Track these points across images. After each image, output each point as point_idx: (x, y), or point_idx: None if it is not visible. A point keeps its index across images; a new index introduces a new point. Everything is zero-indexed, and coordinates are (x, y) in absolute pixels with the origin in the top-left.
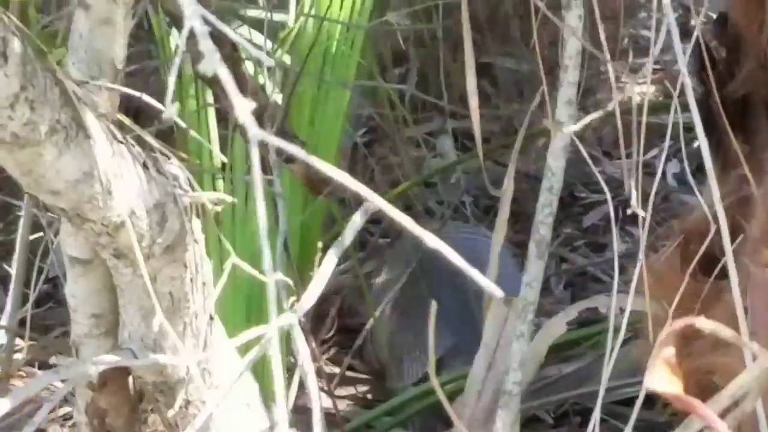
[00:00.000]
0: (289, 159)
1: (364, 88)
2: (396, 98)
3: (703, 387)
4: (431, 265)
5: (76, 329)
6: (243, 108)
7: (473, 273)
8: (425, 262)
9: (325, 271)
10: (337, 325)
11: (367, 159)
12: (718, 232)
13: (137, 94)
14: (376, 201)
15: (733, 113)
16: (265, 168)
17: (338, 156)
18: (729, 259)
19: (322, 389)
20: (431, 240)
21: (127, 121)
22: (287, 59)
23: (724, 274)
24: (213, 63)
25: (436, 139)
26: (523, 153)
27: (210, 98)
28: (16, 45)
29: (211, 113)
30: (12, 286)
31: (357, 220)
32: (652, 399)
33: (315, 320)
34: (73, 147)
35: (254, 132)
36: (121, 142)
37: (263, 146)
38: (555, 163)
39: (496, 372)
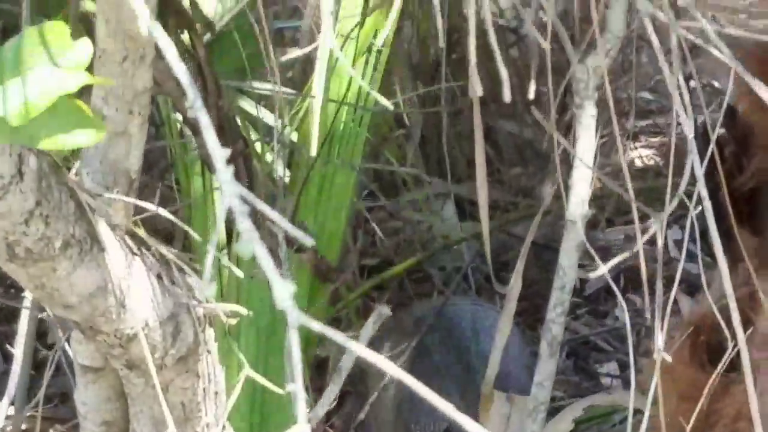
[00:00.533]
0: (300, 249)
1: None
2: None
3: None
4: (435, 338)
5: None
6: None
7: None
8: (428, 335)
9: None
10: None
11: (368, 223)
12: (727, 325)
13: (153, 207)
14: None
15: (741, 206)
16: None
17: (346, 236)
18: (743, 350)
19: None
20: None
21: (142, 233)
22: (294, 137)
23: (732, 367)
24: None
25: (436, 202)
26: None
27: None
28: (32, 161)
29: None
30: (17, 379)
31: (374, 323)
32: None
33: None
34: (87, 261)
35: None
36: (136, 254)
37: (273, 237)
38: (567, 262)
39: None
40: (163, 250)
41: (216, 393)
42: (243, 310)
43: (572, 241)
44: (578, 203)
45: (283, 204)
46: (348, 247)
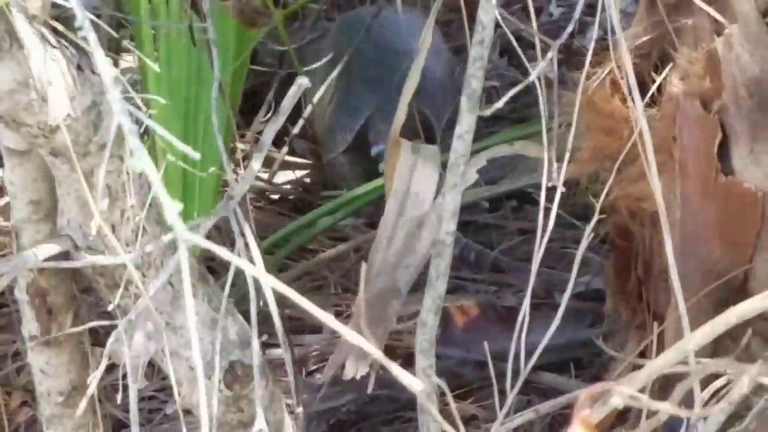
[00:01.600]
0: None
1: None
2: None
3: (633, 213)
4: (365, 46)
5: (15, 215)
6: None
7: None
8: (361, 44)
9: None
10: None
11: None
12: (646, 57)
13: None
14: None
15: None
16: (198, 14)
17: None
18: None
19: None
20: None
21: (59, 25)
22: None
23: (654, 102)
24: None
25: None
26: None
27: None
28: None
29: None
30: None
31: (292, 96)
32: None
33: (252, 106)
34: (7, 59)
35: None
36: (55, 47)
37: None
38: (485, 17)
39: (406, 219)
40: (81, 41)
41: (140, 174)
42: (161, 100)
43: None
44: None
45: None
46: None
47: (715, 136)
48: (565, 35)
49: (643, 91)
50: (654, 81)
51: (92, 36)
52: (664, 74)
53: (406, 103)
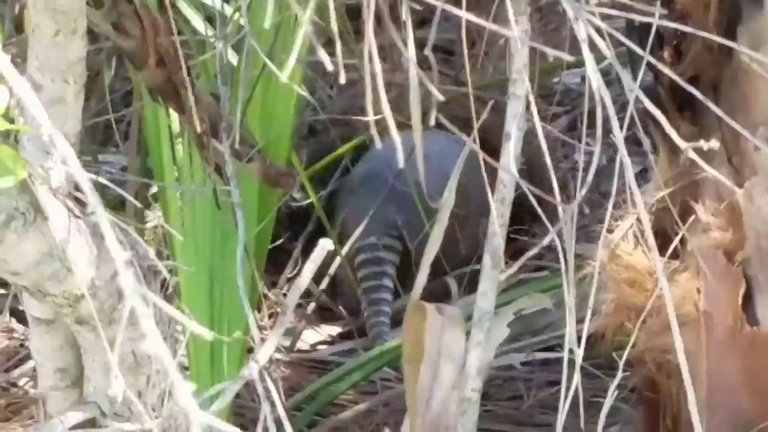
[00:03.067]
0: (249, 159)
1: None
2: None
3: (659, 365)
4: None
5: (42, 382)
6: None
7: None
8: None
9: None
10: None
11: None
12: (668, 209)
13: (92, 177)
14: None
15: (681, 95)
16: (221, 176)
17: (291, 146)
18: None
19: None
20: None
21: (82, 196)
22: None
23: (677, 255)
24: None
25: None
26: None
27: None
28: None
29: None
30: None
31: (316, 260)
32: None
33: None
34: (31, 231)
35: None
36: (78, 217)
37: (219, 155)
38: (506, 176)
39: (440, 380)
40: (104, 211)
41: (165, 338)
42: (183, 267)
43: (509, 154)
44: (514, 117)
45: (229, 120)
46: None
47: (738, 286)
48: (578, 199)
49: (665, 244)
50: (677, 233)
51: (104, 221)
52: (686, 226)
53: (427, 268)
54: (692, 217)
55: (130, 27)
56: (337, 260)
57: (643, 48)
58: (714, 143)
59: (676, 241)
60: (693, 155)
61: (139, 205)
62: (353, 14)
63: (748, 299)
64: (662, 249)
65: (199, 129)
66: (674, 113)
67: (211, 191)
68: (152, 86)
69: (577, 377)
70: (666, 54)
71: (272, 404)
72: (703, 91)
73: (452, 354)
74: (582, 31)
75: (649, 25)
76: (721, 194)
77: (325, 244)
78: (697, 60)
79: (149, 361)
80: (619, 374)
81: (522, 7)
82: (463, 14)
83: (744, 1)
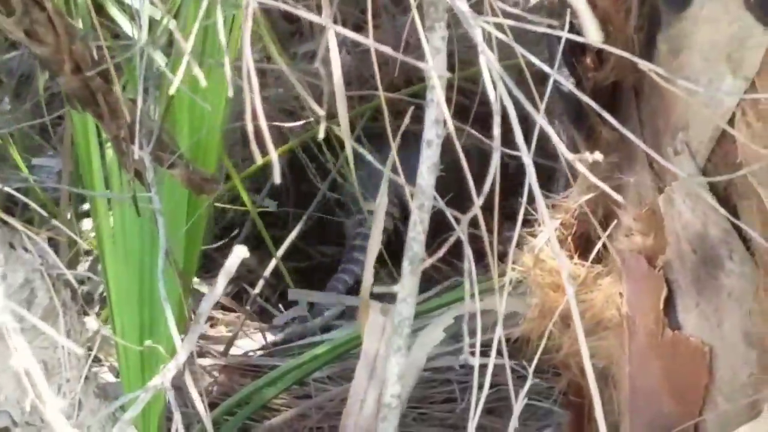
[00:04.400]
0: (171, 165)
1: None
2: None
3: (583, 370)
4: None
5: None
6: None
7: None
8: None
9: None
10: None
11: None
12: (591, 214)
13: None
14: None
15: (603, 101)
16: (143, 183)
17: (222, 152)
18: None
19: None
20: None
21: None
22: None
23: (600, 258)
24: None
25: None
26: None
27: None
28: None
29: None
30: None
31: (229, 269)
32: None
33: None
34: None
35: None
36: None
37: (140, 162)
38: (425, 183)
39: (377, 381)
40: (12, 220)
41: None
42: (93, 276)
43: (429, 161)
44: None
45: (150, 125)
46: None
47: (660, 291)
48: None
49: (589, 248)
50: (600, 238)
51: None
52: (608, 231)
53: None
54: (614, 222)
55: (44, 34)
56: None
57: (568, 53)
58: (598, 156)
59: (599, 245)
60: (580, 167)
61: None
62: (290, 18)
63: (669, 303)
64: (586, 253)
65: (116, 135)
66: (596, 119)
67: (136, 197)
68: (70, 93)
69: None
70: (588, 59)
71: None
72: (624, 97)
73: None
74: (479, 41)
75: (573, 31)
76: (642, 199)
77: (239, 252)
78: (619, 65)
79: (59, 369)
80: (529, 380)
81: (440, 13)
82: (371, 43)
83: (663, 7)
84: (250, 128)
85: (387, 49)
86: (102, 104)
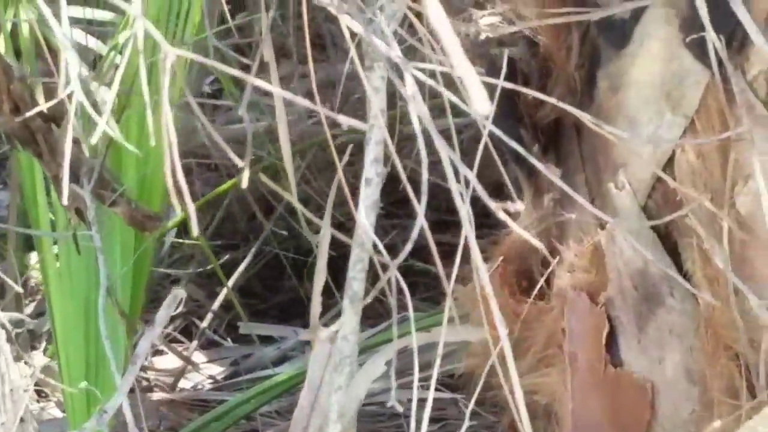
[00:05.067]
0: (113, 203)
1: None
2: None
3: (527, 406)
4: None
5: None
6: None
7: None
8: None
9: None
10: None
11: None
12: (534, 251)
13: None
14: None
15: (545, 137)
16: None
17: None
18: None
19: None
20: None
21: None
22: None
23: (542, 295)
24: None
25: None
26: None
27: None
28: None
29: None
30: None
31: (168, 306)
32: None
33: None
34: None
35: None
36: None
37: (81, 200)
38: (365, 222)
39: (320, 411)
40: None
41: (11, 390)
42: (26, 318)
43: (368, 199)
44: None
45: (91, 162)
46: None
47: (602, 328)
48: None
49: (532, 285)
50: (542, 274)
51: None
52: (551, 268)
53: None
54: (557, 258)
55: None
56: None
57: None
58: (519, 206)
59: (541, 281)
60: (502, 215)
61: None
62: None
63: (611, 340)
64: (529, 290)
65: (56, 173)
66: (538, 155)
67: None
68: (9, 132)
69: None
70: (530, 96)
71: None
72: (566, 134)
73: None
74: (408, 87)
75: (513, 67)
76: (584, 235)
77: (177, 294)
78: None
79: None
80: (468, 417)
81: (379, 54)
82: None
83: (603, 44)
84: (168, 181)
85: (327, 111)
86: (42, 144)
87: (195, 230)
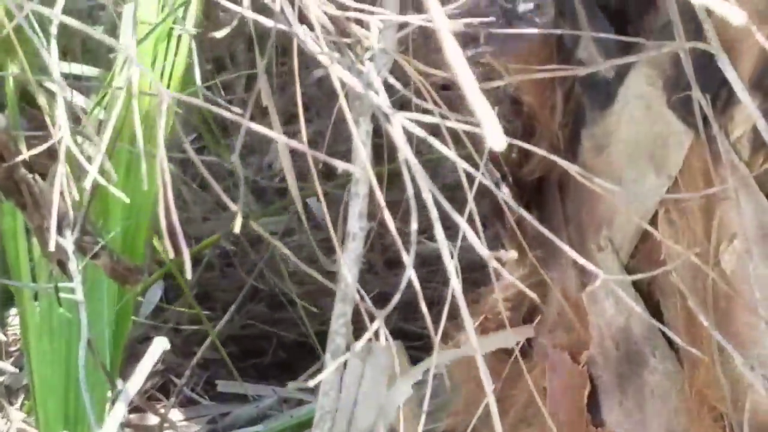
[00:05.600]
0: (95, 255)
1: None
2: None
3: None
4: None
5: None
6: None
7: None
8: None
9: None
10: None
11: None
12: (517, 308)
13: None
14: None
15: (529, 195)
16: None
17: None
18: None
19: None
20: None
21: None
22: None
23: (524, 353)
24: None
25: None
26: None
27: None
28: None
29: None
30: None
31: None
32: None
33: None
34: None
35: None
36: None
37: (63, 252)
38: (349, 273)
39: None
40: None
41: None
42: (10, 368)
43: (353, 253)
44: (356, 216)
45: (74, 215)
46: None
47: (584, 387)
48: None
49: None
50: None
51: None
52: (533, 325)
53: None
54: (539, 317)
55: None
56: None
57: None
58: (513, 254)
59: (522, 340)
60: (495, 264)
61: None
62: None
63: (593, 399)
64: (510, 348)
65: (39, 224)
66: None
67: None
68: None
69: None
70: (514, 154)
71: None
72: (550, 191)
73: (370, 404)
74: (398, 138)
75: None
76: (567, 294)
77: (160, 344)
78: (544, 160)
79: None
80: None
81: (365, 108)
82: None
83: (587, 104)
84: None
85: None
86: (25, 194)
87: (189, 273)
